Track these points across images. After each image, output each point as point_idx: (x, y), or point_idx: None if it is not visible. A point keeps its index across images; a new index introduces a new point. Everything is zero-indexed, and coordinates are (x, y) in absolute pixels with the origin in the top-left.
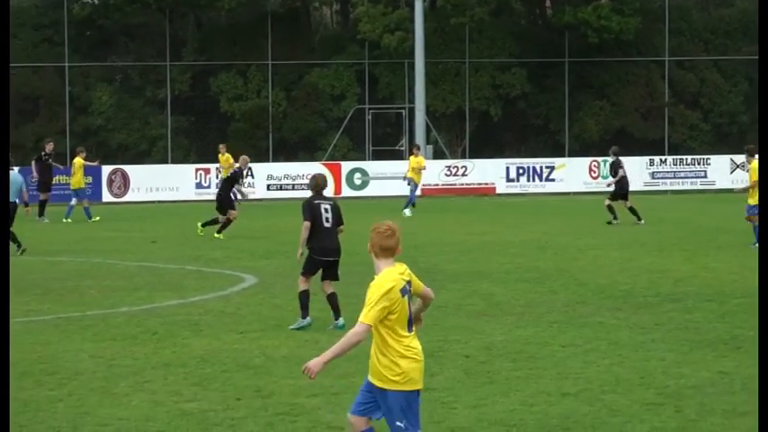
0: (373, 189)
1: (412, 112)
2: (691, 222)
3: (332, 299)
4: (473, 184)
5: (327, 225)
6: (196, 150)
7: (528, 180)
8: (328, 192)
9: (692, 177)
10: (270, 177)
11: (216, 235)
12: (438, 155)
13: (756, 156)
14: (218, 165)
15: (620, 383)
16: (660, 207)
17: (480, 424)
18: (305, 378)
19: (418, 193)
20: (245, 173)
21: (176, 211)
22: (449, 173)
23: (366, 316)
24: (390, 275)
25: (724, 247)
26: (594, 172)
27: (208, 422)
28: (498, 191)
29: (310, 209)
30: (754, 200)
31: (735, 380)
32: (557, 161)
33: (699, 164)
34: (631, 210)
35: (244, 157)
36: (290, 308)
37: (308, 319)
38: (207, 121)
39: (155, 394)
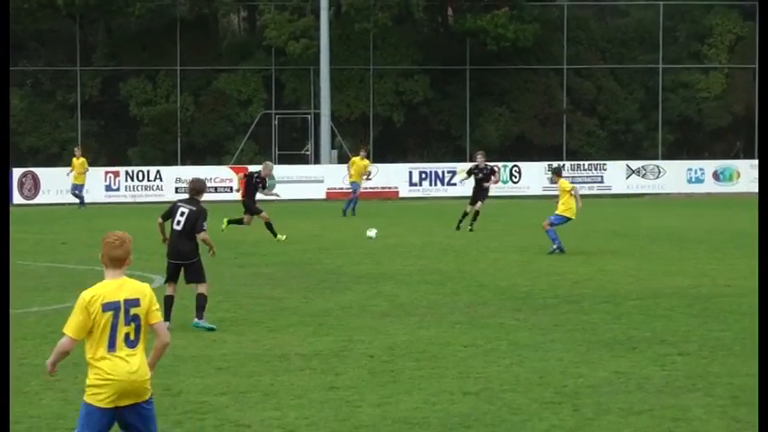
0: (279, 192)
1: (317, 117)
2: (587, 226)
3: (197, 299)
4: (377, 188)
5: (177, 228)
6: (106, 154)
7: (430, 184)
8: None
9: (590, 182)
10: (178, 181)
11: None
12: (342, 159)
13: (563, 176)
14: (123, 168)
15: (520, 383)
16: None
17: (384, 422)
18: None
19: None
20: (267, 181)
21: (86, 214)
22: None
23: (66, 326)
24: (98, 287)
25: (620, 250)
26: (494, 177)
27: None
28: (401, 194)
29: (169, 209)
30: (560, 211)
31: (630, 379)
32: (458, 166)
33: (596, 169)
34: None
35: (267, 164)
36: None
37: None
38: (116, 125)
39: (65, 393)
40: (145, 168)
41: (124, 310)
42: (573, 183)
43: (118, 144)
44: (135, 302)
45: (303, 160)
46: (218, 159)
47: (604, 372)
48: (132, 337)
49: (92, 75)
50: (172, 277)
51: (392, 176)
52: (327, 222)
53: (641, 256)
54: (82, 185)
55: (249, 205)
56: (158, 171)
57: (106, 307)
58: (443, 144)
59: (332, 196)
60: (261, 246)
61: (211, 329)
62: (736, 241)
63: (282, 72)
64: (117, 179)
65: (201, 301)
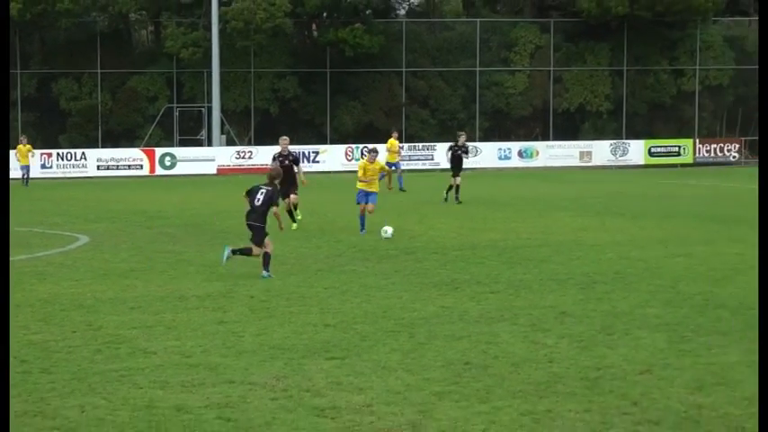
0: (180, 169)
1: (210, 109)
2: (422, 194)
3: (264, 256)
4: (257, 164)
5: (257, 203)
6: (41, 139)
7: (301, 162)
8: (147, 170)
9: (423, 160)
10: (99, 160)
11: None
12: (230, 143)
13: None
14: (55, 150)
15: (368, 316)
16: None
17: (262, 348)
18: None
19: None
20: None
21: (26, 188)
22: (238, 156)
23: None
24: None
25: (446, 212)
26: (349, 156)
27: (50, 350)
28: None
29: (252, 188)
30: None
31: (454, 312)
32: (320, 147)
33: (427, 149)
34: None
35: (284, 138)
36: (115, 261)
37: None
38: (49, 116)
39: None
40: (72, 150)
41: None
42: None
43: (51, 131)
44: None
45: (198, 143)
46: (130, 143)
47: (433, 306)
48: None
49: (29, 77)
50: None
51: (268, 156)
52: (218, 192)
53: (463, 217)
54: (27, 166)
55: (285, 185)
56: (83, 153)
57: None
58: (309, 130)
59: (221, 172)
60: (165, 211)
61: (269, 277)
62: (536, 205)
63: (182, 74)
64: (50, 159)
65: (267, 258)
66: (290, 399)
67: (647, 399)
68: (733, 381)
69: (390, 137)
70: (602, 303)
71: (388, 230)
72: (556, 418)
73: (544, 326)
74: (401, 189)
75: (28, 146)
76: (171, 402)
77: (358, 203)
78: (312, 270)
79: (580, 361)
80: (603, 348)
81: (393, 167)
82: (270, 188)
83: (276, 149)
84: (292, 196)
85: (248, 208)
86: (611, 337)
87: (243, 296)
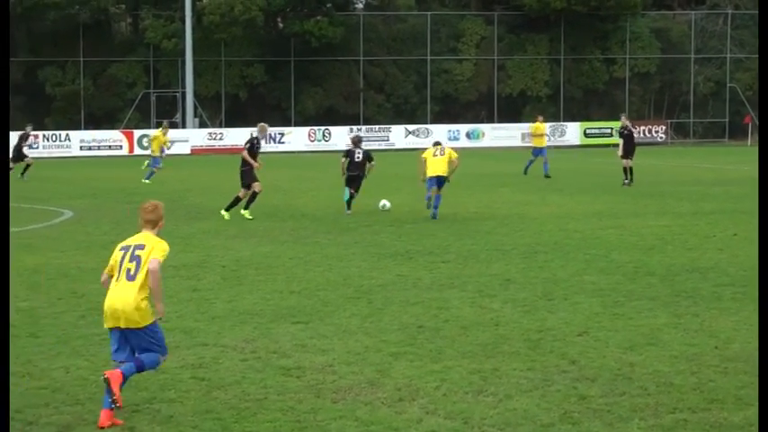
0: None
1: (184, 95)
2: (380, 173)
3: (352, 196)
4: (228, 145)
5: (357, 160)
6: (29, 122)
7: (266, 143)
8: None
9: (380, 141)
10: (82, 141)
11: (243, 212)
12: (203, 125)
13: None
14: (41, 132)
15: (330, 284)
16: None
17: (233, 313)
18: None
19: None
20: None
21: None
22: (210, 138)
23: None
24: (130, 238)
25: (401, 189)
26: (312, 137)
27: (37, 316)
28: None
29: (347, 151)
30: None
31: (408, 280)
32: (285, 129)
33: (384, 131)
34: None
35: (262, 125)
36: (97, 233)
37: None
38: (36, 101)
39: None
40: (57, 132)
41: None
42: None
43: (38, 115)
44: (140, 246)
45: (174, 126)
46: (111, 126)
47: (390, 275)
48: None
49: (18, 65)
50: (349, 185)
51: (239, 138)
52: (192, 171)
53: (415, 194)
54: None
55: (248, 174)
56: (67, 134)
57: (122, 248)
58: (275, 114)
59: (195, 152)
60: (142, 188)
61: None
62: (482, 181)
63: (158, 62)
64: (37, 140)
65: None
66: (258, 360)
67: (585, 358)
68: (661, 341)
69: (536, 121)
70: (543, 271)
71: (386, 204)
72: (501, 375)
73: (490, 292)
74: (546, 175)
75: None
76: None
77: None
78: (279, 242)
79: (523, 324)
80: (544, 312)
81: (540, 154)
82: (363, 150)
83: (247, 132)
84: (256, 185)
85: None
86: (552, 302)
87: (215, 266)
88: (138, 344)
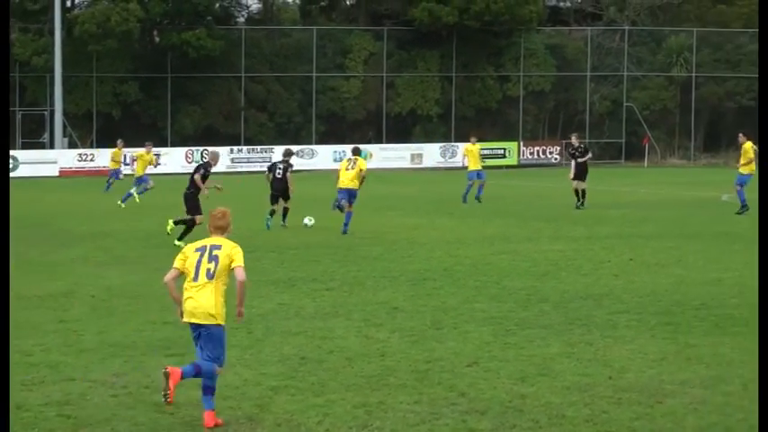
0: (22, 171)
1: (52, 113)
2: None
3: (285, 210)
4: (99, 167)
5: (278, 176)
6: None
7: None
8: None
9: (261, 162)
10: None
11: (176, 242)
12: (72, 145)
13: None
14: None
15: None
16: (239, 184)
17: (102, 345)
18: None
19: None
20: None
21: None
22: (80, 159)
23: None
24: (201, 240)
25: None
26: (189, 158)
27: None
28: (124, 172)
29: (271, 165)
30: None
31: (290, 309)
32: (162, 150)
33: (265, 152)
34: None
35: (214, 151)
36: None
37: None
38: None
39: None
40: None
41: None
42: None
43: None
44: (217, 247)
45: (41, 146)
46: None
47: (271, 303)
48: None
49: None
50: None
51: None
52: (61, 195)
53: (300, 216)
54: None
55: (194, 201)
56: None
57: (198, 249)
58: (152, 133)
59: (64, 174)
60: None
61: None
62: (369, 204)
63: (24, 78)
64: None
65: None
66: (129, 395)
67: (474, 389)
68: (554, 371)
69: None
70: (432, 299)
71: (311, 220)
72: (388, 409)
73: (377, 321)
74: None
75: None
76: (11, 401)
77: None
78: (152, 269)
79: (411, 354)
80: (433, 342)
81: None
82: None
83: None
84: (198, 217)
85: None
86: (441, 331)
87: (84, 295)
88: (206, 343)
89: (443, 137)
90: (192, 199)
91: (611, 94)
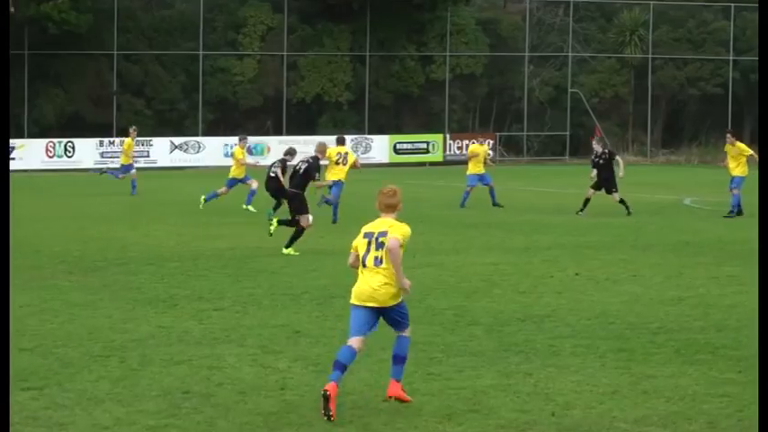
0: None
1: None
2: (136, 197)
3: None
4: None
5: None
6: None
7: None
8: None
9: (137, 156)
10: None
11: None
12: None
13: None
14: None
15: (72, 338)
16: (103, 182)
17: None
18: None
19: None
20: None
21: None
22: None
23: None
24: (371, 223)
25: (165, 217)
26: (51, 152)
27: None
28: None
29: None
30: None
31: (172, 333)
32: (17, 142)
33: (143, 145)
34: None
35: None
36: None
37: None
38: None
39: None
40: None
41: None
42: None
43: None
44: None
45: None
46: None
47: (149, 327)
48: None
49: None
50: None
51: None
52: None
53: (183, 223)
54: None
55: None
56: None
57: (365, 235)
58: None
59: None
60: None
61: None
62: (266, 208)
63: None
64: None
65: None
66: None
67: (392, 429)
68: (486, 407)
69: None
70: (341, 321)
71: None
72: None
73: (276, 347)
74: None
75: None
76: None
77: None
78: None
79: (317, 387)
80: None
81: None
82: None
83: None
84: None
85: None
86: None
87: None
88: (391, 317)
89: (355, 128)
90: (296, 199)
91: (553, 79)
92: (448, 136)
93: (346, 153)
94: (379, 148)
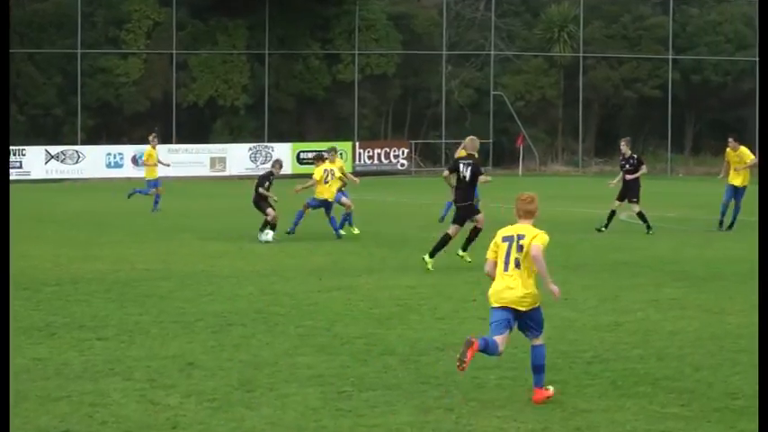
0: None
1: None
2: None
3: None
4: None
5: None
6: None
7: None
8: None
9: (9, 168)
10: None
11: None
12: None
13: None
14: None
15: None
16: None
17: None
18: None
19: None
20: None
21: None
22: None
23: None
24: (509, 227)
25: (40, 236)
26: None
27: None
28: None
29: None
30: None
31: (49, 365)
32: None
33: (15, 155)
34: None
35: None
36: None
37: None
38: None
39: None
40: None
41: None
42: None
43: None
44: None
45: None
46: None
47: (23, 359)
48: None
49: None
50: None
51: None
52: None
53: (61, 242)
54: None
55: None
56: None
57: (504, 239)
58: None
59: None
60: None
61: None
62: (155, 225)
63: None
64: None
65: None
66: None
67: None
68: None
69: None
70: (239, 351)
71: (268, 234)
72: None
73: (166, 381)
74: None
75: None
76: None
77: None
78: None
79: (212, 426)
80: (242, 409)
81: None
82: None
83: None
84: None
85: None
86: (252, 394)
87: None
88: (524, 322)
89: (254, 135)
90: (468, 210)
91: (474, 80)
92: (357, 144)
93: (333, 171)
94: (281, 157)
